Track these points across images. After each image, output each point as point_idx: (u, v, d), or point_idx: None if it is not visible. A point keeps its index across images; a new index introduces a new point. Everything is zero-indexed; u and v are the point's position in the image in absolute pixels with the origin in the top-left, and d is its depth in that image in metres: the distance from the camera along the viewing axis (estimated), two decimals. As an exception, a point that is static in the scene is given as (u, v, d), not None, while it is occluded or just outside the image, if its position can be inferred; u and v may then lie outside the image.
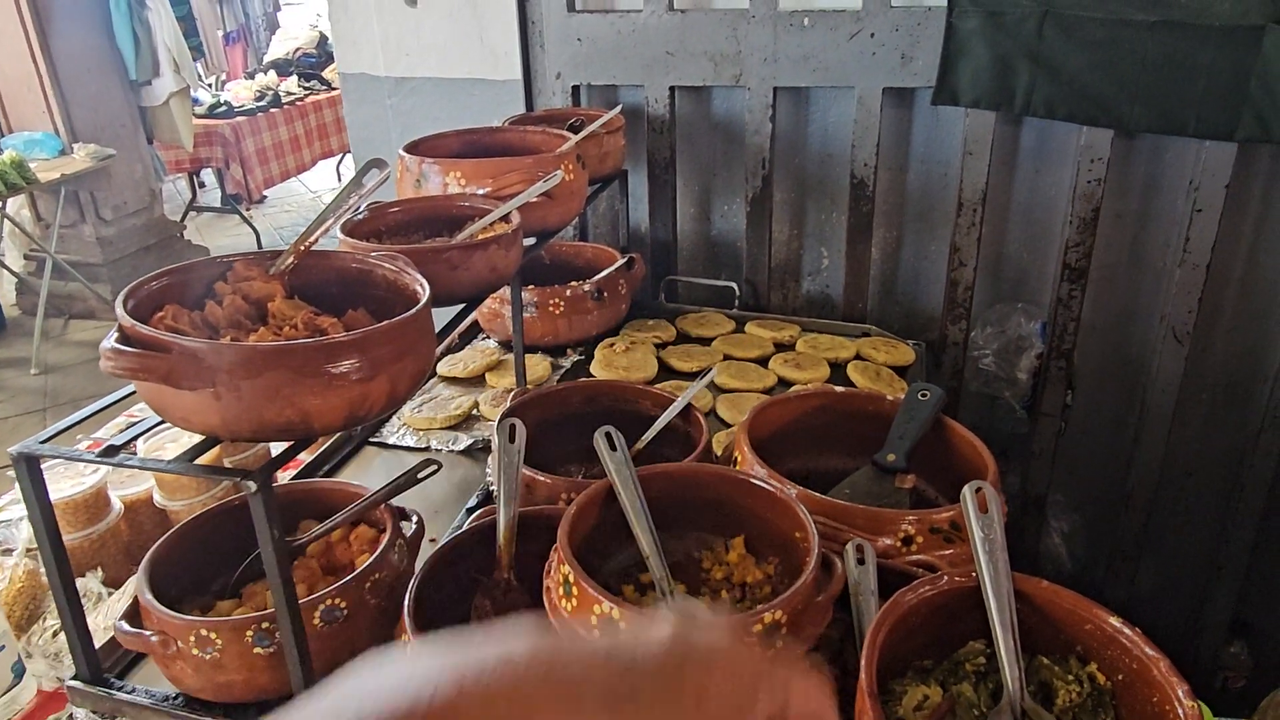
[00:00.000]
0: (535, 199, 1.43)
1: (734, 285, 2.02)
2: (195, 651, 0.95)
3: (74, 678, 1.03)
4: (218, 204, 7.55)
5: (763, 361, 1.78)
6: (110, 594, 1.62)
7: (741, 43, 1.85)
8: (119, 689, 1.02)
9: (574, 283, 1.76)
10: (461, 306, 1.28)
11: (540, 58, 2.02)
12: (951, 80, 1.75)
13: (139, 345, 0.84)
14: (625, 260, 1.86)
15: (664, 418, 1.29)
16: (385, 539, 1.07)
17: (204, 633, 0.95)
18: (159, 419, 0.96)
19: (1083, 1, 1.62)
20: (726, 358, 1.79)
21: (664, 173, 2.02)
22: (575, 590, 0.84)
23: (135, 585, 1.02)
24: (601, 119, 1.72)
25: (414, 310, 0.96)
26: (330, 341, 0.89)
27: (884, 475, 1.25)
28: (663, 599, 0.91)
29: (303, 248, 1.09)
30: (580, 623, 0.83)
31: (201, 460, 0.92)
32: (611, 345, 1.79)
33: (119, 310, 0.90)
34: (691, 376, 1.72)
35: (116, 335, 0.87)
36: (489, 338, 1.89)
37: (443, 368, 1.76)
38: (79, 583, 1.68)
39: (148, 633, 0.97)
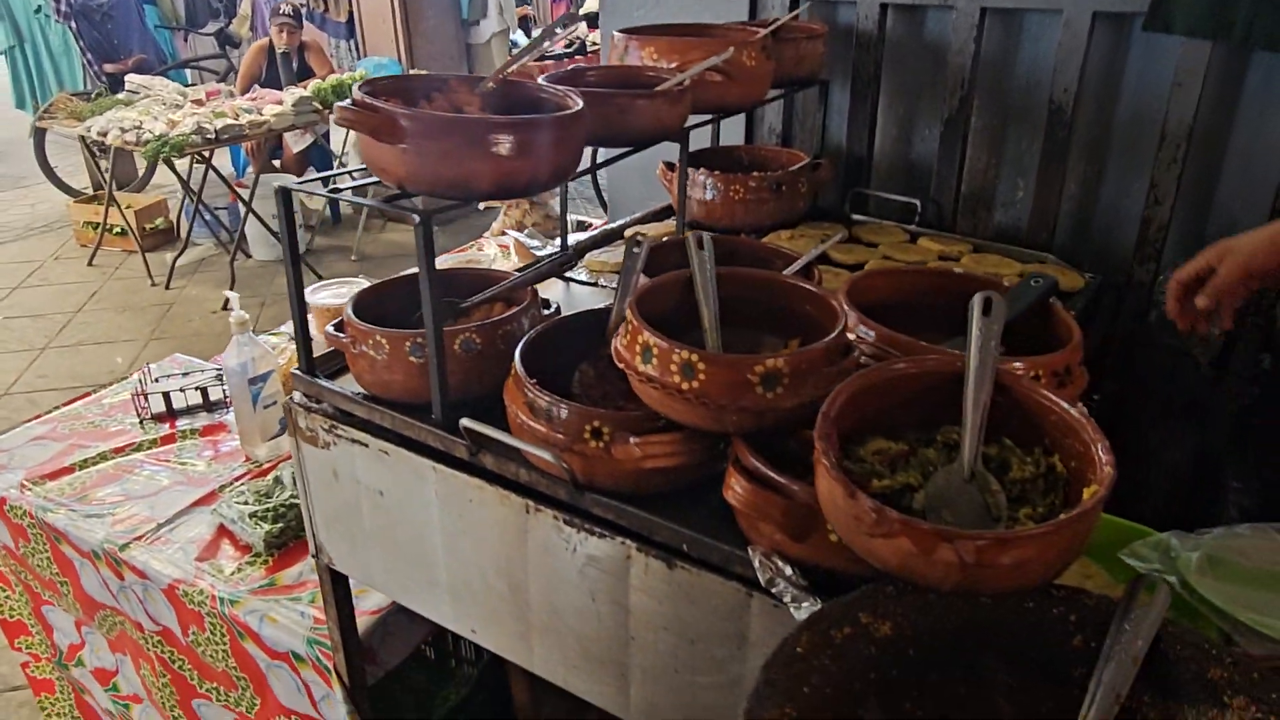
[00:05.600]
0: (717, 79, 1.64)
1: (916, 202, 2.09)
2: (371, 352, 1.28)
3: (296, 368, 1.41)
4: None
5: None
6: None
7: (954, -38, 1.91)
8: (322, 379, 1.39)
9: (756, 173, 1.94)
10: (630, 149, 1.51)
11: (765, -28, 2.20)
12: (1166, 6, 1.71)
13: (361, 109, 1.16)
14: (810, 161, 2.00)
15: (789, 269, 1.45)
16: (524, 305, 1.35)
17: (378, 339, 1.27)
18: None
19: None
20: (886, 259, 1.89)
21: (866, 88, 2.13)
22: (655, 352, 1.05)
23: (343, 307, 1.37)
24: (786, 19, 1.87)
25: (563, 113, 1.21)
26: (492, 120, 1.16)
27: (975, 346, 1.33)
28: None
29: (501, 76, 1.37)
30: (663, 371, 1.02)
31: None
32: (780, 235, 1.95)
33: (354, 92, 1.23)
34: (846, 268, 1.84)
35: (350, 103, 1.19)
36: (678, 219, 2.12)
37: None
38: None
39: (344, 336, 1.31)
